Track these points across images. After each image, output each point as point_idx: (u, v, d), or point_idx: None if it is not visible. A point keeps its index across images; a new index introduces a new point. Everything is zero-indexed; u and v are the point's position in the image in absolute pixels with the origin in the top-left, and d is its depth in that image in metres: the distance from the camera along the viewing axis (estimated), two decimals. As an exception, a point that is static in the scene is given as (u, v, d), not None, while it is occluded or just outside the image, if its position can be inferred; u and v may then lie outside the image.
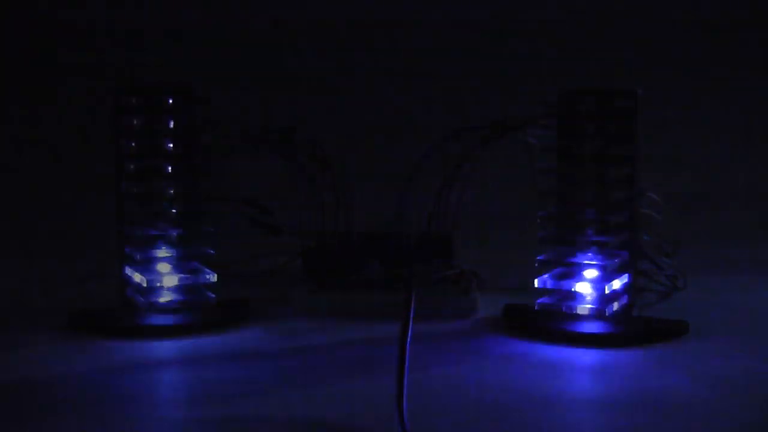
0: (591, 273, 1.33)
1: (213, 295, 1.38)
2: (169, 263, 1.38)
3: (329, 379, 1.20)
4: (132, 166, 1.36)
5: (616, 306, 1.33)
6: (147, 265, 1.37)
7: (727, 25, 2.25)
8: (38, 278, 1.59)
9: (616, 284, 1.33)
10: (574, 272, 1.34)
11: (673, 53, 2.23)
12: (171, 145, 1.37)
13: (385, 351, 1.23)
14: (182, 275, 1.37)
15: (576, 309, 1.32)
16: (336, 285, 1.44)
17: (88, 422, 1.06)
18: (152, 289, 1.37)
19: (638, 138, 1.31)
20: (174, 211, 1.38)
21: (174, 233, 1.37)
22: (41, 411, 1.09)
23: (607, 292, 1.31)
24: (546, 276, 1.34)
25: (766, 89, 2.24)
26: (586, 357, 1.26)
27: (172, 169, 1.37)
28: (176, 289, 1.38)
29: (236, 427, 1.05)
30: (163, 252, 1.37)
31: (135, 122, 1.36)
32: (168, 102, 1.37)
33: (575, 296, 1.34)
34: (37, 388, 1.16)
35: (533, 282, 1.34)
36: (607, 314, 1.31)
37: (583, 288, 1.33)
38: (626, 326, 1.32)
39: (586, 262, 1.33)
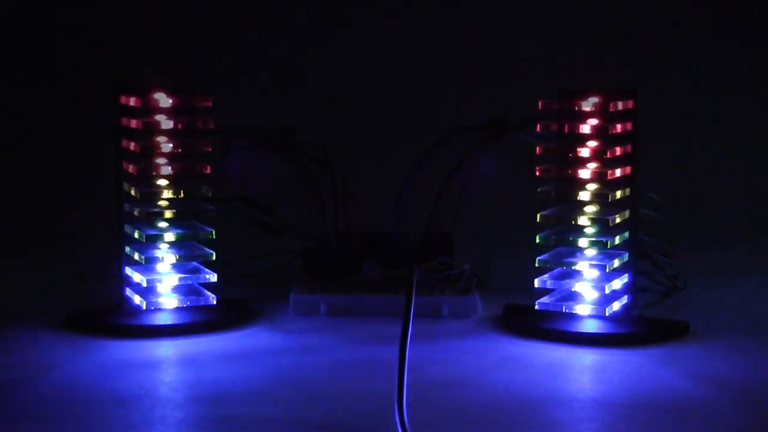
0: (591, 273, 1.33)
1: (213, 295, 1.38)
2: (169, 263, 1.38)
3: (329, 379, 1.20)
4: (132, 166, 1.36)
5: (616, 306, 1.33)
6: (147, 265, 1.37)
7: (728, 25, 2.25)
8: (38, 278, 1.59)
9: (616, 284, 1.33)
10: (574, 272, 1.34)
11: (673, 53, 2.23)
12: (171, 145, 1.37)
13: (385, 351, 1.23)
14: (182, 275, 1.37)
15: (576, 309, 1.32)
16: (336, 285, 1.44)
17: (88, 422, 1.06)
18: (152, 289, 1.37)
19: (638, 138, 1.31)
20: (174, 211, 1.38)
21: (174, 233, 1.37)
22: (41, 411, 1.09)
23: (607, 292, 1.31)
24: (546, 276, 1.34)
25: (767, 88, 2.24)
26: (586, 357, 1.26)
27: (172, 169, 1.37)
28: (176, 289, 1.38)
29: (236, 427, 1.05)
30: (163, 252, 1.37)
31: (135, 122, 1.36)
32: (168, 102, 1.37)
33: (575, 296, 1.34)
34: (37, 388, 1.16)
35: (533, 282, 1.34)
36: (607, 314, 1.31)
37: (583, 288, 1.33)
38: (626, 326, 1.32)
39: (586, 262, 1.33)
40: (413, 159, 1.45)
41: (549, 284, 1.34)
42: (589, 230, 1.33)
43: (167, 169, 1.37)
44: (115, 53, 2.16)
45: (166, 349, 1.29)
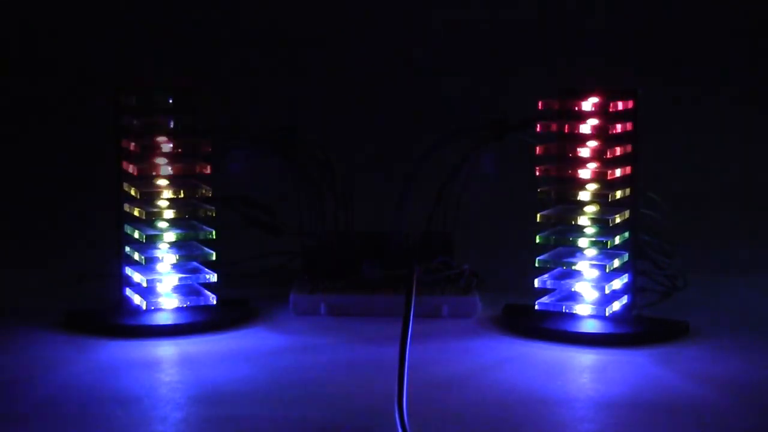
0: (591, 273, 1.33)
1: (213, 295, 1.38)
2: (169, 263, 1.38)
3: (329, 379, 1.20)
4: (132, 166, 1.36)
5: (616, 306, 1.33)
6: (147, 265, 1.37)
7: (728, 25, 2.25)
8: (38, 278, 1.59)
9: (616, 284, 1.33)
10: (574, 272, 1.34)
11: (672, 53, 2.23)
12: (171, 145, 1.37)
13: (385, 351, 1.23)
14: (182, 275, 1.37)
15: (576, 309, 1.32)
16: (336, 285, 1.44)
17: (88, 422, 1.06)
18: (152, 289, 1.37)
19: (638, 138, 1.31)
20: (174, 211, 1.38)
21: (174, 233, 1.37)
22: (41, 411, 1.09)
23: (607, 292, 1.31)
24: (546, 276, 1.34)
25: (767, 88, 2.24)
26: (586, 357, 1.26)
27: (172, 169, 1.37)
28: (176, 289, 1.38)
29: (236, 427, 1.05)
30: (163, 252, 1.37)
31: (135, 122, 1.36)
32: (168, 102, 1.37)
33: (575, 296, 1.34)
34: (37, 388, 1.16)
35: (533, 282, 1.34)
36: (607, 314, 1.31)
37: (583, 288, 1.33)
38: (626, 326, 1.32)
39: (586, 262, 1.33)
40: (413, 159, 1.45)
41: (549, 284, 1.34)
42: (589, 230, 1.33)
43: (167, 169, 1.37)
44: (116, 53, 2.16)
45: (166, 349, 1.29)
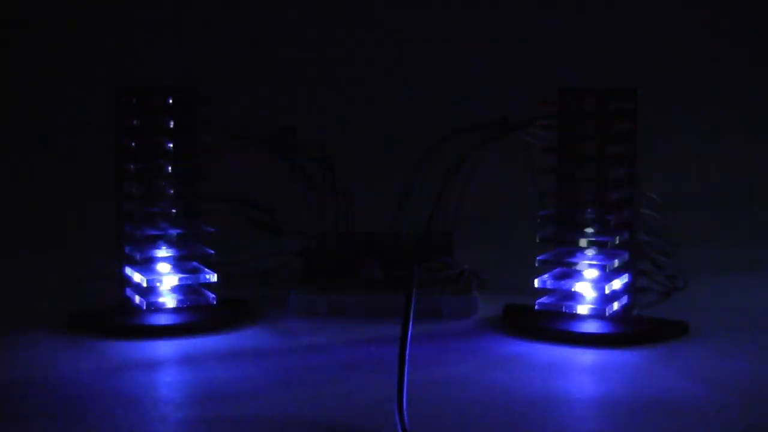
0: (591, 273, 1.33)
1: (213, 295, 1.38)
2: (169, 263, 1.38)
3: (329, 379, 1.20)
4: (132, 166, 1.36)
5: (616, 306, 1.33)
6: (147, 265, 1.37)
7: (728, 25, 2.25)
8: (38, 278, 1.59)
9: (616, 284, 1.33)
10: (574, 272, 1.34)
11: (673, 53, 2.23)
12: (171, 145, 1.37)
13: (385, 351, 1.23)
14: (182, 275, 1.37)
15: (576, 309, 1.32)
16: (336, 285, 1.44)
17: (88, 422, 1.06)
18: (152, 289, 1.37)
19: (638, 138, 1.31)
20: (174, 211, 1.38)
21: (174, 233, 1.37)
22: (41, 411, 1.09)
23: (607, 292, 1.31)
24: (546, 276, 1.34)
25: (766, 89, 2.24)
26: (586, 357, 1.26)
27: (172, 169, 1.37)
28: (176, 289, 1.38)
29: (236, 427, 1.05)
30: (163, 252, 1.37)
31: (135, 122, 1.36)
32: (168, 102, 1.36)
33: (575, 296, 1.34)
34: (37, 388, 1.16)
35: (533, 282, 1.34)
36: (607, 314, 1.31)
37: (583, 288, 1.33)
38: (626, 326, 1.32)
39: (586, 262, 1.33)
40: (413, 159, 1.45)
41: (549, 284, 1.34)
42: (589, 230, 1.33)
43: (167, 169, 1.37)
44: (116, 53, 2.16)
45: (166, 349, 1.29)
